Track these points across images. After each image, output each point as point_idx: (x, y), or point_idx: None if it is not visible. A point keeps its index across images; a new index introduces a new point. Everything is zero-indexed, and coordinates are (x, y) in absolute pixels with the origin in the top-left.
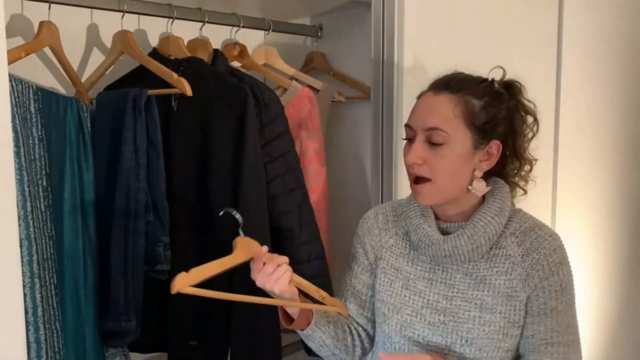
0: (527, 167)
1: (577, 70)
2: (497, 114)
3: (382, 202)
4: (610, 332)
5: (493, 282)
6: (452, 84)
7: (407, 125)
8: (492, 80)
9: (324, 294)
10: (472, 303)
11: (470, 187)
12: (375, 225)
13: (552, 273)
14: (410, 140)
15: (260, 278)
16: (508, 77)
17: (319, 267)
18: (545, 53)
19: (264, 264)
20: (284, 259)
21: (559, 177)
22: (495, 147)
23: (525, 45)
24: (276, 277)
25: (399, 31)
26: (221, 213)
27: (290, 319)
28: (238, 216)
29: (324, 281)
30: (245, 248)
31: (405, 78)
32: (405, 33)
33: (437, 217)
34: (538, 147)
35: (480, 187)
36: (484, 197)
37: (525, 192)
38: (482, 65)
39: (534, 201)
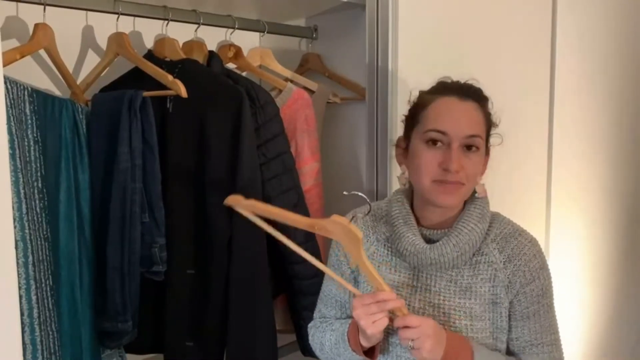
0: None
1: (571, 71)
2: (492, 124)
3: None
4: (605, 329)
5: (478, 290)
6: (472, 93)
7: (438, 131)
8: None
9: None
10: (462, 312)
11: (476, 194)
12: None
13: (533, 278)
14: (434, 143)
15: (360, 310)
16: (501, 80)
17: (314, 267)
18: (539, 54)
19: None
20: (390, 306)
21: (554, 176)
22: (489, 154)
23: (520, 47)
24: (374, 319)
25: (393, 32)
26: (346, 193)
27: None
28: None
29: (319, 281)
30: (334, 230)
31: (400, 79)
32: (400, 35)
33: (418, 224)
34: (533, 146)
35: (482, 190)
36: (464, 203)
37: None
38: (476, 65)
39: (529, 201)
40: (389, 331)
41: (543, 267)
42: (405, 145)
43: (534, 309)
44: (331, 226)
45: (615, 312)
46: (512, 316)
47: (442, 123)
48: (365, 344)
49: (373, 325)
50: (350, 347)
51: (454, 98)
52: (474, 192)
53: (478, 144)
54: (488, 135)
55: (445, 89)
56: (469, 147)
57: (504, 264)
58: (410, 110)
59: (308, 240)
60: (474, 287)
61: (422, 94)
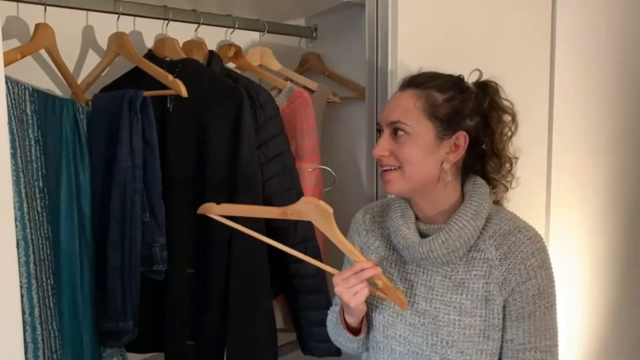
0: (507, 165)
1: (570, 69)
2: (463, 106)
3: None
4: (606, 329)
5: (471, 286)
6: (415, 80)
7: (376, 124)
8: (460, 77)
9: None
10: (451, 307)
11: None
12: (362, 226)
13: (530, 277)
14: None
15: (340, 286)
16: (501, 80)
17: (314, 266)
18: (538, 53)
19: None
20: (367, 274)
21: (553, 176)
22: (462, 138)
23: (519, 46)
24: (354, 291)
25: (393, 32)
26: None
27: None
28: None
29: (320, 280)
30: (306, 210)
31: (399, 78)
32: (399, 34)
33: (417, 218)
34: (532, 146)
35: (447, 178)
36: (463, 197)
37: (507, 189)
38: (475, 65)
39: (528, 201)
40: (384, 323)
41: (542, 267)
42: None
43: (530, 309)
44: (302, 207)
45: (616, 312)
46: (508, 316)
47: (379, 117)
48: (351, 320)
49: (354, 298)
50: (342, 328)
51: (397, 92)
52: (475, 185)
53: (403, 128)
54: (434, 118)
55: (398, 86)
56: (395, 132)
57: (499, 261)
58: None
59: (307, 239)
60: (467, 283)
61: None
